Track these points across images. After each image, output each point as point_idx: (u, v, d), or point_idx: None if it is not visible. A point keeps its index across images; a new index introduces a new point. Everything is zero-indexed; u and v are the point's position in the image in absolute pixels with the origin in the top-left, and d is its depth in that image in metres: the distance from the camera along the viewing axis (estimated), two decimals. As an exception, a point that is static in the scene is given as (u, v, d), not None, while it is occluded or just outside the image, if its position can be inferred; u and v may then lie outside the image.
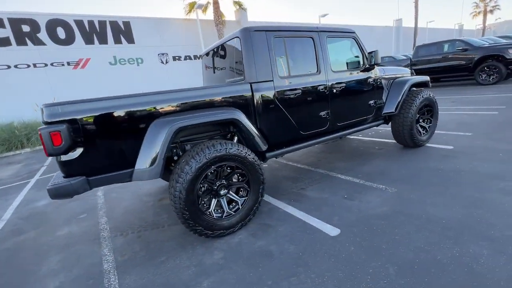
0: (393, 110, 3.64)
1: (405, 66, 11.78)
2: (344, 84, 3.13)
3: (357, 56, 3.38)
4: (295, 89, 2.73)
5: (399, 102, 3.64)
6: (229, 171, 2.34)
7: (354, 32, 3.32)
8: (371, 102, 3.49)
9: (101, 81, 12.17)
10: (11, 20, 10.20)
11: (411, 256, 1.79)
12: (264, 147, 2.51)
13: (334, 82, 3.04)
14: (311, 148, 4.67)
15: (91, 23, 11.85)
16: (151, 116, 2.04)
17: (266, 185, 3.06)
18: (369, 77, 3.42)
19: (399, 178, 3.04)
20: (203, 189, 2.24)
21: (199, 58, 14.94)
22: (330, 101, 3.03)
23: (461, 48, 9.99)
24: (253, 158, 2.31)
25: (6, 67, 10.24)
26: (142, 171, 1.99)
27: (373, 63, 3.23)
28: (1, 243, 2.74)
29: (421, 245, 1.89)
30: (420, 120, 3.98)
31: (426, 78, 4.05)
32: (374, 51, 3.21)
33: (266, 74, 2.55)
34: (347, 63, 3.28)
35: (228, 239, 2.28)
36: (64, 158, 1.82)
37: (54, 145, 1.72)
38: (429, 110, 4.04)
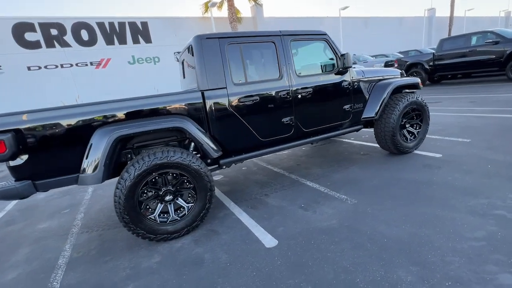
0: (373, 115, 3.44)
1: (427, 61, 10.94)
2: (311, 89, 3.02)
3: (331, 59, 3.24)
4: (252, 96, 2.70)
5: (379, 107, 3.43)
6: (176, 177, 2.40)
7: (325, 34, 3.17)
8: (347, 106, 3.33)
9: (121, 79, 12.89)
10: (41, 25, 11.16)
11: (330, 276, 1.72)
12: (215, 154, 2.53)
13: (299, 87, 2.95)
14: (295, 151, 4.58)
15: (111, 24, 12.54)
16: (94, 125, 2.15)
17: (234, 188, 3.08)
18: (344, 81, 3.26)
19: (367, 188, 2.89)
20: (148, 194, 2.33)
21: None
22: (294, 107, 2.95)
23: (491, 40, 9.02)
24: (198, 166, 2.34)
25: (38, 67, 11.26)
26: (86, 176, 2.13)
27: (345, 66, 3.06)
28: (-9, 233, 3.09)
29: (347, 265, 1.80)
30: (407, 125, 3.71)
31: (415, 80, 3.75)
32: (345, 53, 3.04)
33: (219, 82, 2.56)
34: (318, 66, 3.15)
35: (173, 243, 2.36)
36: (12, 163, 2.01)
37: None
38: (418, 114, 3.75)
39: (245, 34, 2.72)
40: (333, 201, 2.71)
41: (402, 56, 13.55)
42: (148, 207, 2.34)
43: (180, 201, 2.45)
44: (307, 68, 3.13)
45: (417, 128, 3.82)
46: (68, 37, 11.73)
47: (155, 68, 13.89)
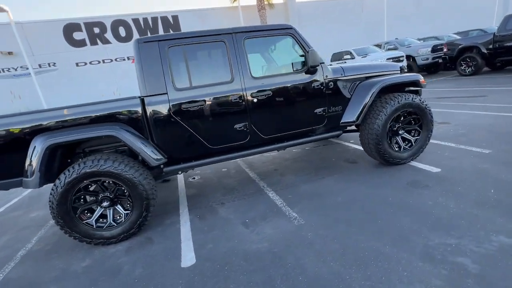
0: (354, 120, 2.96)
1: (485, 44, 9.07)
2: (271, 92, 2.71)
3: (302, 56, 2.85)
4: (197, 101, 2.53)
5: (361, 110, 2.93)
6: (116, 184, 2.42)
7: (290, 28, 2.77)
8: (319, 110, 2.92)
9: (154, 72, 13.67)
10: (86, 24, 12.38)
11: (214, 315, 1.55)
12: (155, 162, 2.47)
13: (255, 90, 2.67)
14: (281, 154, 4.27)
15: (145, 20, 13.27)
16: (33, 133, 2.27)
17: (200, 192, 3.03)
18: (314, 81, 2.85)
19: (327, 206, 2.53)
20: (89, 199, 2.41)
21: None
22: (249, 112, 2.69)
23: None
24: (131, 175, 2.32)
25: (84, 64, 12.62)
26: (26, 181, 2.28)
27: (311, 65, 2.65)
28: (-4, 217, 3.61)
29: (240, 303, 1.60)
30: (401, 131, 3.11)
31: (412, 77, 3.09)
32: (309, 50, 2.62)
33: (159, 87, 2.45)
34: (282, 66, 2.81)
35: (110, 248, 2.42)
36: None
37: None
38: (417, 119, 3.11)
39: (189, 35, 2.53)
40: (280, 219, 2.45)
41: (459, 37, 11.52)
42: (86, 211, 2.43)
43: (119, 208, 2.48)
44: (267, 69, 2.82)
45: (416, 135, 3.20)
46: (108, 35, 12.81)
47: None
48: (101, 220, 2.47)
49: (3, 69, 11.52)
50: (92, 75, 12.79)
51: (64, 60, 12.27)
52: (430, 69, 12.42)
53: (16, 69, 11.68)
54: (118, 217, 2.50)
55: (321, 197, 2.73)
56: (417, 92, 3.29)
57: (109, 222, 2.45)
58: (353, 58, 11.72)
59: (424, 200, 2.36)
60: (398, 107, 2.90)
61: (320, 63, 2.85)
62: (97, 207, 2.45)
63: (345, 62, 12.16)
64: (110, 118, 2.41)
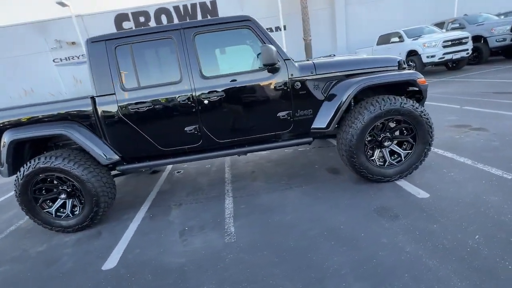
0: (323, 126, 2.53)
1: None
2: (224, 93, 2.47)
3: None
4: (145, 102, 2.47)
5: (334, 116, 2.47)
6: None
7: (248, 20, 2.42)
8: (283, 114, 2.56)
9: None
10: (133, 14, 13.33)
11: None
12: (105, 161, 2.53)
13: (206, 91, 2.46)
14: (268, 154, 3.98)
15: (185, 7, 13.62)
16: (4, 128, 2.52)
17: (171, 189, 3.15)
18: (274, 81, 2.49)
19: (269, 225, 2.27)
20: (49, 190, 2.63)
21: (280, 30, 14.35)
22: (200, 115, 2.52)
23: None
24: (79, 172, 2.43)
25: (131, 51, 13.73)
26: (1, 170, 2.59)
27: (264, 63, 2.29)
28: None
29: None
30: (386, 143, 2.54)
31: (407, 76, 2.43)
32: (263, 46, 2.25)
33: (107, 88, 2.45)
34: (240, 64, 2.52)
35: (67, 237, 2.62)
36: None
37: None
38: (410, 129, 2.50)
39: (135, 33, 2.43)
40: (216, 232, 2.29)
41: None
42: (48, 201, 2.66)
43: (76, 201, 2.65)
44: (222, 67, 2.56)
45: (408, 148, 2.59)
46: (152, 23, 13.58)
47: (222, 46, 14.42)
48: (61, 210, 2.68)
49: (67, 58, 13.35)
50: (138, 62, 13.88)
51: (115, 48, 13.56)
52: (509, 53, 9.94)
53: (78, 57, 13.40)
54: (75, 210, 2.69)
55: (272, 212, 2.46)
56: (420, 95, 2.62)
57: (66, 213, 2.65)
58: (402, 41, 10.15)
59: (379, 236, 1.91)
60: (379, 114, 2.36)
61: (285, 60, 2.47)
62: (58, 199, 2.66)
63: (388, 47, 10.60)
64: (66, 117, 2.53)
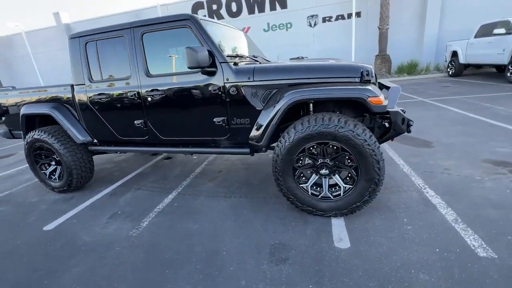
0: (256, 139, 2.28)
1: None
2: (163, 92, 2.50)
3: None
4: (104, 94, 2.76)
5: (265, 130, 2.19)
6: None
7: (187, 19, 2.30)
8: (219, 120, 2.42)
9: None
10: (207, 2, 14.32)
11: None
12: (79, 140, 2.99)
13: (149, 89, 2.55)
14: (246, 157, 3.81)
15: (254, -5, 13.69)
16: (22, 104, 3.27)
17: (150, 172, 3.46)
18: (211, 84, 2.34)
19: (172, 230, 2.27)
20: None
21: (350, 18, 12.97)
22: (146, 111, 2.65)
23: None
24: (57, 147, 2.97)
25: (202, 37, 14.92)
26: (19, 134, 3.40)
27: (189, 66, 2.16)
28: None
29: None
30: (322, 171, 2.09)
31: (352, 93, 1.87)
32: (186, 48, 2.11)
33: (80, 78, 2.84)
34: (181, 64, 2.47)
35: (54, 195, 3.29)
36: None
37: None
38: (348, 157, 1.98)
39: (98, 31, 2.66)
40: (134, 223, 2.45)
41: None
42: (45, 164, 3.35)
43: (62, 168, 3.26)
44: (167, 67, 2.55)
45: (350, 182, 2.07)
46: (223, 11, 14.29)
47: (287, 34, 14.03)
48: (53, 173, 3.34)
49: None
50: (207, 47, 14.99)
51: (190, 34, 14.99)
52: None
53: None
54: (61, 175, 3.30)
55: (189, 217, 2.43)
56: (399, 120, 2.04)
57: (55, 177, 3.29)
58: (509, 33, 7.66)
59: (244, 275, 1.66)
60: (308, 135, 1.96)
61: (221, 63, 2.29)
62: (50, 165, 3.32)
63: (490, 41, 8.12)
64: (55, 100, 3.07)
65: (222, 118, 2.41)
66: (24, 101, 3.25)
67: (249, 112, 2.33)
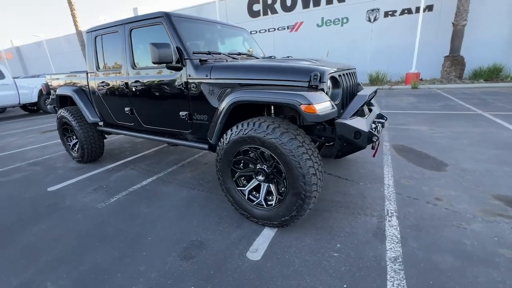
0: (211, 140, 2.32)
1: None
2: (142, 84, 2.73)
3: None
4: (103, 82, 3.16)
5: (214, 129, 2.22)
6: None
7: (161, 16, 2.42)
8: (183, 114, 2.52)
9: (307, 42, 13.93)
10: (263, -3, 14.40)
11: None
12: (90, 120, 3.51)
13: (133, 80, 2.81)
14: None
15: (310, -11, 13.17)
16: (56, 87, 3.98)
17: (156, 155, 3.91)
18: (176, 79, 2.44)
19: (127, 210, 2.50)
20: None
21: (419, 12, 11.45)
22: (131, 99, 2.94)
23: None
24: (75, 125, 3.55)
25: (255, 32, 15.16)
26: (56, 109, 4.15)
27: (153, 61, 2.27)
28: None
29: (-1, 219, 2.46)
30: (258, 176, 1.99)
31: (286, 97, 1.69)
32: (150, 44, 2.22)
33: (91, 67, 3.30)
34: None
35: (74, 164, 3.95)
36: None
37: None
38: (278, 168, 1.84)
39: (103, 26, 3.02)
40: (106, 197, 2.79)
41: None
42: (69, 138, 4.03)
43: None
44: (148, 60, 2.73)
45: (284, 193, 1.92)
46: (277, 5, 14.19)
47: (341, 30, 13.14)
48: (75, 146, 3.99)
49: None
50: (258, 42, 15.15)
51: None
52: None
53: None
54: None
55: (147, 200, 2.64)
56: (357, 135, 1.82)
57: (75, 149, 3.93)
58: None
59: (124, 271, 1.75)
60: (241, 138, 1.90)
61: (185, 59, 2.37)
62: (71, 139, 3.97)
63: None
64: (77, 85, 3.65)
65: (186, 112, 2.51)
66: (59, 84, 3.95)
67: (207, 109, 2.37)
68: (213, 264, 1.72)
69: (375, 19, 12.39)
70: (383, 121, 2.34)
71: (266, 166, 1.97)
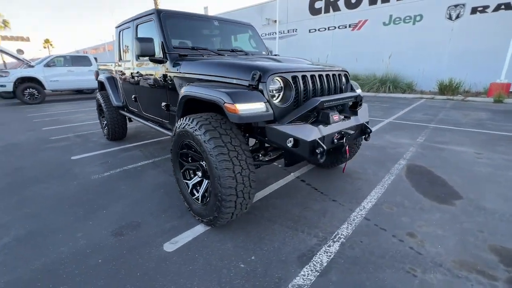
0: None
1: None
2: (140, 75, 3.02)
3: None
4: (121, 71, 3.60)
5: (176, 122, 2.31)
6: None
7: (153, 13, 2.59)
8: (163, 104, 2.69)
9: (370, 42, 12.76)
10: (326, -7, 13.75)
11: None
12: (115, 104, 4.06)
13: (136, 71, 3.13)
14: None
15: (378, -17, 11.93)
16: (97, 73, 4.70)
17: (161, 142, 4.41)
18: (158, 72, 2.62)
19: (107, 184, 2.82)
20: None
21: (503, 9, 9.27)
22: (135, 88, 3.28)
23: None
24: (104, 106, 4.17)
25: (314, 30, 14.67)
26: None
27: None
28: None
29: None
30: (198, 172, 1.99)
31: (214, 95, 1.62)
32: (134, 39, 2.42)
33: (117, 58, 3.79)
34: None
35: (104, 140, 4.63)
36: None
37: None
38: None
39: (121, 23, 3.42)
40: (100, 172, 3.20)
41: None
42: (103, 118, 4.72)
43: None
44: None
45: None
46: (341, 2, 13.33)
47: (412, 29, 11.52)
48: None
49: (268, 33, 16.67)
50: (316, 40, 14.56)
51: (303, 27, 14.99)
52: None
53: (274, 33, 16.35)
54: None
55: (131, 180, 2.92)
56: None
57: (106, 128, 4.60)
58: None
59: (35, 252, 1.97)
60: (182, 132, 1.94)
61: (166, 53, 2.51)
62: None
63: None
64: (108, 72, 4.24)
65: (165, 103, 2.68)
66: (103, 71, 4.66)
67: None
68: (131, 245, 1.83)
69: (457, 17, 10.44)
70: (351, 132, 2.03)
71: (204, 162, 1.96)
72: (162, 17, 2.63)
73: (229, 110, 1.62)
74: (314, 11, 14.41)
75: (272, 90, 1.82)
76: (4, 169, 3.31)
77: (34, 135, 5.02)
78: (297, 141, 1.70)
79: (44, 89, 9.64)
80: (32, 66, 9.56)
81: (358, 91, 2.62)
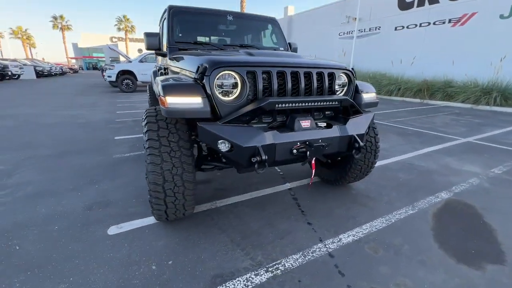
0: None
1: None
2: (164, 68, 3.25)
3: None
4: (159, 66, 3.96)
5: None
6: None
7: (166, 12, 2.71)
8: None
9: (475, 41, 10.21)
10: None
11: None
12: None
13: (165, 66, 3.38)
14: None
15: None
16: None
17: None
18: (164, 64, 2.76)
19: (103, 167, 3.16)
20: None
21: None
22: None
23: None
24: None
25: (401, 27, 12.73)
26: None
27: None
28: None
29: None
30: None
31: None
32: (144, 33, 2.58)
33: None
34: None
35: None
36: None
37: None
38: None
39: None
40: (102, 156, 3.61)
41: None
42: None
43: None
44: None
45: None
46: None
47: (546, 23, 8.57)
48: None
49: (348, 32, 15.33)
50: (402, 39, 12.52)
51: (388, 24, 13.14)
52: None
53: (352, 32, 14.94)
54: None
55: (142, 167, 3.19)
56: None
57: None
58: None
59: None
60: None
61: (168, 47, 2.61)
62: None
63: None
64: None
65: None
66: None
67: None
68: (89, 221, 1.99)
69: None
70: (323, 144, 1.64)
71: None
72: (172, 13, 2.74)
73: (160, 102, 1.54)
74: (404, 5, 12.47)
75: (224, 85, 1.63)
76: (67, 140, 4.16)
77: (107, 117, 6.14)
78: (232, 145, 1.47)
79: (137, 80, 11.68)
80: (131, 62, 11.72)
81: (367, 95, 2.09)
